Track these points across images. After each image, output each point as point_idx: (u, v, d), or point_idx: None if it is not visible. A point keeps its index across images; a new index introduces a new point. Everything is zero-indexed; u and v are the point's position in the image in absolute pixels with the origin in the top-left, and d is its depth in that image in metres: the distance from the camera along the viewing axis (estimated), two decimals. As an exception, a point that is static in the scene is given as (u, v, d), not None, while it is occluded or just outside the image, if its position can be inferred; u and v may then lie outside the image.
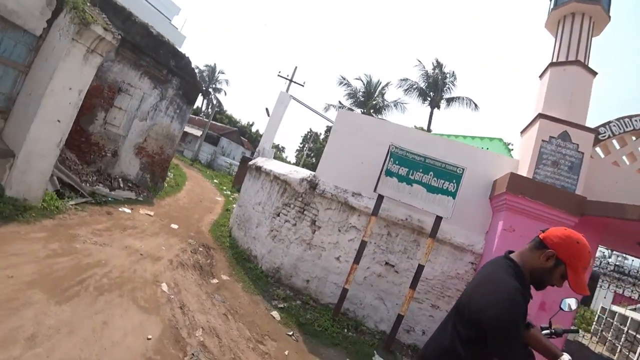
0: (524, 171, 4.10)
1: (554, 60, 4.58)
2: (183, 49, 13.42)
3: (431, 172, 4.22)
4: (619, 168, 4.26)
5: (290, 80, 16.16)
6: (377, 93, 19.76)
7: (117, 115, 6.70)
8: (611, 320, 10.35)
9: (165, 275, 4.13)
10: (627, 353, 8.38)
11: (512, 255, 1.51)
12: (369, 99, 19.58)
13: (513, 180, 3.86)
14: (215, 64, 37.03)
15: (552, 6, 4.85)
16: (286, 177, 5.51)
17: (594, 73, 4.45)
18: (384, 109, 19.74)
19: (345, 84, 19.85)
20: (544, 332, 2.53)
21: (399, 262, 4.53)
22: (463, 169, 4.12)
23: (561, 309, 2.87)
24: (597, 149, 4.34)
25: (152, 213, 6.45)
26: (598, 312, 11.86)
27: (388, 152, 4.35)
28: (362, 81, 20.14)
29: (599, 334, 10.87)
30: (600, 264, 11.39)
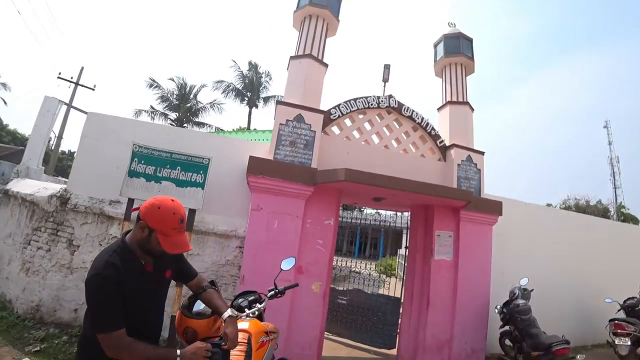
0: (270, 154, 4.42)
1: (294, 54, 5.11)
2: None
3: (178, 167, 4.14)
4: (349, 141, 5.06)
5: (76, 84, 14.11)
6: (192, 96, 19.17)
7: None
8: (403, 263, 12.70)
9: None
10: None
11: (127, 235, 1.64)
12: (184, 102, 18.79)
13: (252, 162, 4.11)
14: None
15: (295, 9, 5.40)
16: (33, 196, 4.64)
17: (325, 65, 5.16)
18: (200, 111, 19.30)
19: (156, 86, 18.45)
20: (271, 292, 2.66)
21: (169, 263, 4.33)
22: (209, 159, 4.18)
23: (282, 269, 3.14)
24: (334, 128, 5.06)
25: None
26: (398, 259, 14.26)
27: (132, 152, 4.06)
28: (175, 82, 19.08)
29: (402, 278, 13.21)
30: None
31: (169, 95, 18.61)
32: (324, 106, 4.94)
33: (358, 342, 5.54)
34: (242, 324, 2.13)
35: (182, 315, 1.87)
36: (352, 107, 5.07)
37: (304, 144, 4.52)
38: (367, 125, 5.26)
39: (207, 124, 18.82)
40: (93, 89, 14.61)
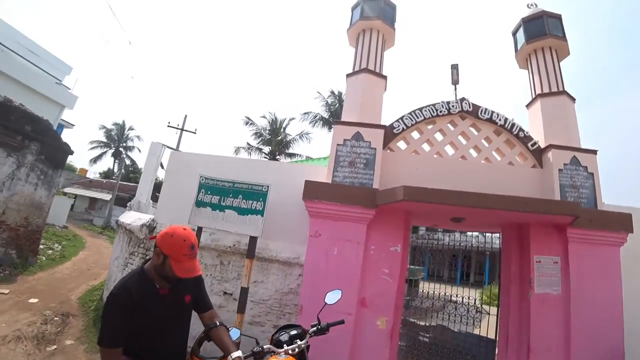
0: (329, 176, 4.22)
1: (350, 72, 4.90)
2: (75, 109, 13.09)
3: (240, 195, 4.25)
4: (418, 155, 4.52)
5: (182, 129, 16.06)
6: (282, 129, 20.13)
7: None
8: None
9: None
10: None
11: (148, 262, 1.78)
12: (275, 136, 19.82)
13: (308, 186, 3.96)
14: (124, 121, 34.99)
15: (348, 27, 5.25)
16: (131, 225, 5.33)
17: (384, 77, 4.81)
18: (291, 143, 20.08)
19: (251, 123, 20.00)
20: (312, 328, 2.54)
21: (235, 289, 4.42)
22: (268, 187, 4.18)
23: (326, 303, 2.89)
24: (400, 143, 4.59)
25: (6, 291, 5.95)
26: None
27: (198, 183, 4.35)
28: (266, 119, 20.39)
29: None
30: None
31: (262, 131, 20.26)
32: (389, 122, 4.56)
33: (443, 386, 4.80)
34: None
35: (192, 355, 1.96)
36: (418, 118, 4.56)
37: (364, 164, 4.20)
38: (439, 136, 4.66)
39: (297, 154, 19.79)
40: (195, 132, 16.88)
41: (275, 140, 19.84)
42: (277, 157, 19.51)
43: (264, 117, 20.49)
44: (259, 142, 20.19)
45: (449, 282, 5.35)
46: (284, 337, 2.35)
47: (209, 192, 4.34)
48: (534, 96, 4.89)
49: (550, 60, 4.88)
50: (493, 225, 4.70)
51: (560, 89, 4.72)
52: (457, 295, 5.32)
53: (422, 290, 5.67)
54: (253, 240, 4.13)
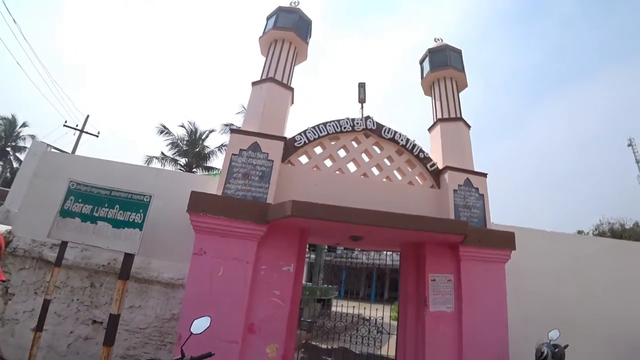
0: (220, 189, 3.88)
1: (256, 81, 4.71)
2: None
3: (117, 205, 3.72)
4: (319, 171, 4.42)
5: (81, 131, 14.68)
6: (200, 140, 19.02)
7: None
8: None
9: None
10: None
11: None
12: (193, 147, 18.67)
13: (194, 198, 3.58)
14: (14, 116, 28.88)
15: (260, 34, 5.12)
16: (-17, 239, 4.38)
17: (290, 89, 4.72)
18: (210, 156, 19.04)
19: (167, 132, 18.42)
20: None
21: (108, 316, 3.78)
22: (150, 196, 3.73)
23: (192, 333, 2.49)
24: (302, 158, 4.47)
25: None
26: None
27: (67, 189, 3.72)
28: (185, 129, 19.06)
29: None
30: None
31: (179, 141, 18.71)
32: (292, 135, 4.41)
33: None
34: None
35: None
36: (322, 132, 4.48)
37: (259, 176, 3.95)
38: (342, 152, 4.63)
39: (216, 168, 18.59)
40: (97, 136, 15.35)
41: (192, 152, 18.54)
42: (194, 169, 18.22)
43: (182, 126, 18.90)
44: (174, 153, 18.63)
45: (365, 300, 5.20)
46: None
47: (79, 200, 3.73)
48: (435, 120, 5.15)
49: (451, 89, 5.21)
50: (392, 244, 4.72)
51: (458, 115, 5.03)
52: (369, 314, 5.19)
53: (335, 310, 5.47)
54: (128, 257, 3.60)
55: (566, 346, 3.99)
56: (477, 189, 4.64)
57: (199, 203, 3.56)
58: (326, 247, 10.69)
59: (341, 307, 5.23)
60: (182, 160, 18.44)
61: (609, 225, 23.85)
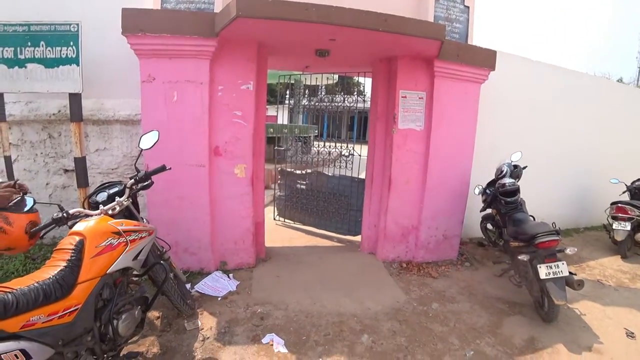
0: (157, 2, 3.34)
1: None
2: None
3: (42, 42, 3.27)
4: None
5: None
6: None
7: None
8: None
9: None
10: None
11: None
12: None
13: (126, 16, 3.07)
14: None
15: None
16: None
17: None
18: None
19: None
20: (131, 180, 2.18)
21: (76, 163, 3.72)
22: (77, 25, 3.26)
23: (141, 149, 2.33)
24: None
25: None
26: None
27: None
28: None
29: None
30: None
31: None
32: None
33: (322, 229, 5.00)
34: (81, 225, 1.72)
35: None
36: None
37: (201, -16, 3.38)
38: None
39: None
40: None
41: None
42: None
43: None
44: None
45: (347, 141, 5.29)
46: (101, 196, 2.10)
47: (-1, 43, 3.27)
48: None
49: None
50: (362, 62, 4.40)
51: None
52: (349, 149, 5.04)
53: (317, 147, 5.60)
54: (74, 97, 3.36)
55: (525, 167, 4.12)
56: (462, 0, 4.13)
57: (134, 21, 3.09)
58: (305, 90, 10.72)
59: (323, 145, 5.22)
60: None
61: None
